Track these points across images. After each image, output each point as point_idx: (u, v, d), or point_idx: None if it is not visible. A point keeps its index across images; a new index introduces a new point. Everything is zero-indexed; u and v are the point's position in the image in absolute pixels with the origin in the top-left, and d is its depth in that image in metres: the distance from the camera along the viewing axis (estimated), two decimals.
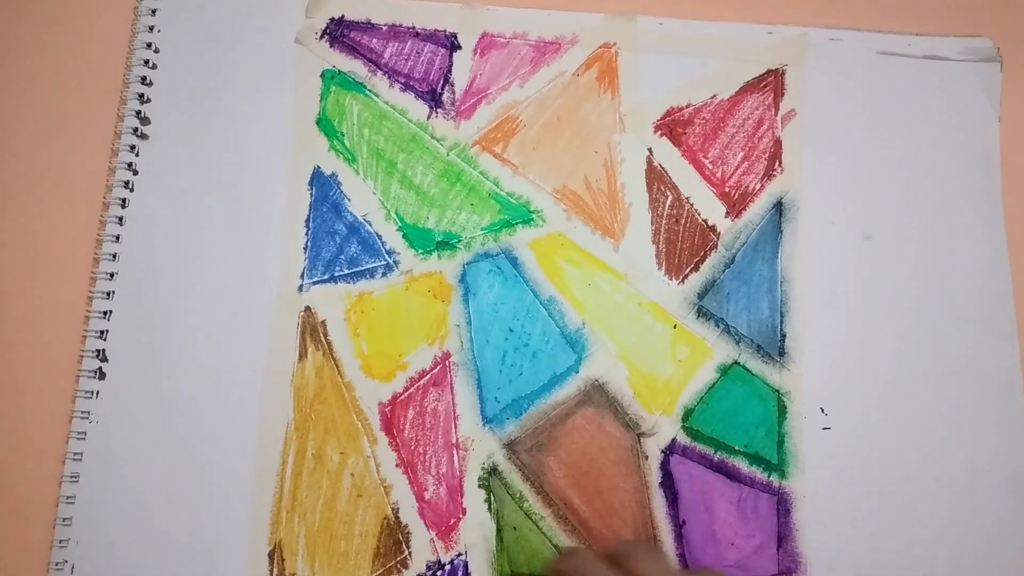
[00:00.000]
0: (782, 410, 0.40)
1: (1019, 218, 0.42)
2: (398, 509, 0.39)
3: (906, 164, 0.43)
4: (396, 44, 0.44)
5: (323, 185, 0.42)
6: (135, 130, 0.42)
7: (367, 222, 0.42)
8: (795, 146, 0.43)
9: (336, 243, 0.41)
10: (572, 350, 0.41)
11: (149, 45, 0.43)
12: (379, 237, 0.42)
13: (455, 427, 0.40)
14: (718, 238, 0.42)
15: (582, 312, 0.41)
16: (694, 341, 0.41)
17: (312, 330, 0.40)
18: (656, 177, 0.43)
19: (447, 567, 0.38)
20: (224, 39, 0.44)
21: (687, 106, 0.44)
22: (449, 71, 0.44)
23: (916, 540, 0.39)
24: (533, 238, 0.42)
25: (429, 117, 0.43)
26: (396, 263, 0.41)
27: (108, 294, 0.40)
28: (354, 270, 0.41)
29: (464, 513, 0.39)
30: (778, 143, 0.43)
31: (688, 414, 0.40)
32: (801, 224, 0.42)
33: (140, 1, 0.44)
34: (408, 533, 0.38)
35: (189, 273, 0.41)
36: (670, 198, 0.43)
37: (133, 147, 0.42)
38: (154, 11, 0.44)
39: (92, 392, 0.39)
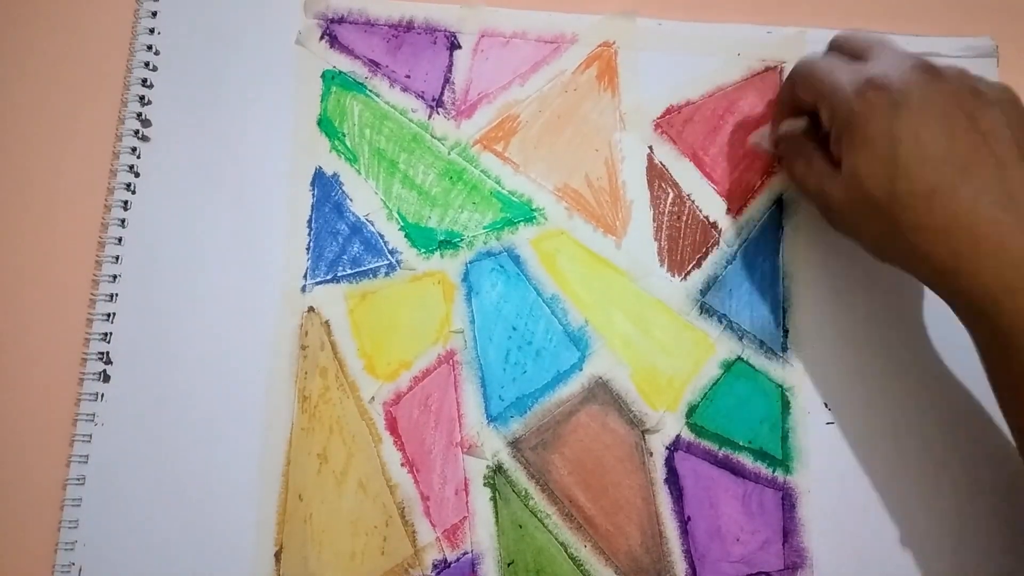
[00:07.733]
0: (786, 405, 0.40)
1: None
2: (403, 508, 0.38)
3: None
4: (396, 44, 0.44)
5: (325, 185, 0.42)
6: (136, 132, 0.42)
7: (369, 222, 0.42)
8: None
9: (338, 243, 0.41)
10: (575, 348, 0.41)
11: (149, 47, 0.43)
12: (381, 237, 0.42)
13: (460, 426, 0.40)
14: (720, 234, 0.42)
15: (585, 310, 0.41)
16: (697, 337, 0.41)
17: (315, 330, 0.40)
18: (657, 174, 0.43)
19: (453, 566, 0.38)
20: (224, 41, 0.44)
21: (687, 103, 0.44)
22: (449, 71, 0.44)
23: (920, 533, 0.39)
24: (535, 236, 0.42)
25: (430, 117, 0.43)
26: (399, 263, 0.41)
27: (111, 296, 0.40)
28: (357, 270, 0.41)
29: (469, 512, 0.39)
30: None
31: (692, 410, 0.40)
32: (802, 220, 0.42)
33: (140, 3, 0.44)
34: (414, 532, 0.38)
35: (192, 275, 0.41)
36: (671, 195, 0.43)
37: (134, 149, 0.42)
38: (154, 13, 0.44)
39: (96, 395, 0.39)
